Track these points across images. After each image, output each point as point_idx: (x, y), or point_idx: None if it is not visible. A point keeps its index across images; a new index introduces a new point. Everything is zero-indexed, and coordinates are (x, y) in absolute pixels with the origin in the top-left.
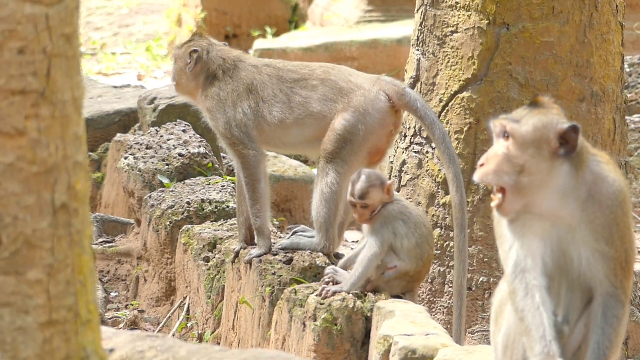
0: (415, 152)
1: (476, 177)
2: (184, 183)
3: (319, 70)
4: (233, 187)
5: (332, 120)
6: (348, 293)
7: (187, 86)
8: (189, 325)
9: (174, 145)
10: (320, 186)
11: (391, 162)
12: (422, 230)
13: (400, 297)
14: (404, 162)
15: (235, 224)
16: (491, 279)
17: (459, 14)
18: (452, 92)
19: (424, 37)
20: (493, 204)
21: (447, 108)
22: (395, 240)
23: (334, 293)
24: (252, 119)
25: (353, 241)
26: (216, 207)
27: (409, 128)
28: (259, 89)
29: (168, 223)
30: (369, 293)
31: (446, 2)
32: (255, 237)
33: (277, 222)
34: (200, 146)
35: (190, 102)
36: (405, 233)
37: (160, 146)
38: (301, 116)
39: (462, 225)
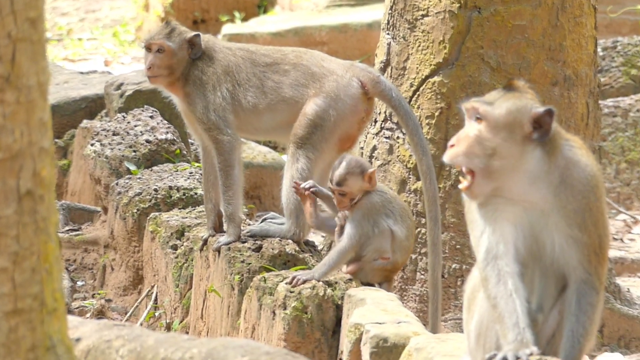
0: (386, 137)
1: (446, 157)
2: (151, 170)
3: (291, 54)
4: (201, 174)
5: (303, 106)
6: (318, 281)
7: (175, 75)
8: (157, 314)
9: (141, 132)
10: (290, 172)
11: (361, 148)
12: (408, 222)
13: (373, 285)
14: (374, 148)
15: (203, 211)
16: (464, 266)
17: None
18: (423, 77)
19: (395, 21)
20: (461, 186)
21: (418, 93)
22: (377, 233)
23: (305, 281)
24: (230, 102)
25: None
26: (184, 195)
27: (380, 113)
28: (234, 71)
29: (135, 211)
30: (339, 281)
31: None
32: (225, 224)
33: (246, 210)
34: (167, 132)
35: (164, 91)
36: (395, 226)
37: (128, 133)
38: (273, 101)
39: (435, 219)
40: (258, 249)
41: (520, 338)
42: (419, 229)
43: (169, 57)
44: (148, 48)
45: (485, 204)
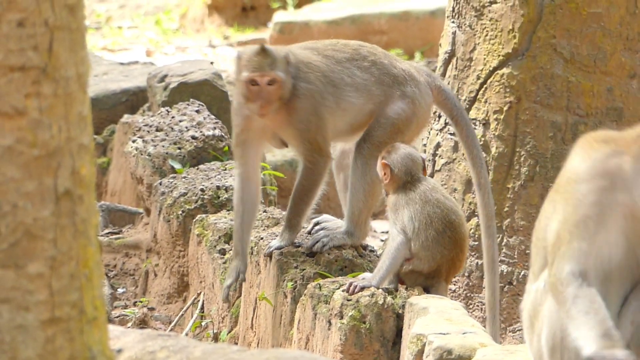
0: (450, 134)
1: None
2: (197, 168)
3: (362, 49)
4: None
5: (384, 107)
6: (377, 288)
7: (284, 100)
8: (203, 324)
9: (186, 127)
10: (366, 176)
11: (424, 145)
12: (430, 233)
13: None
14: (438, 145)
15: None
16: None
17: None
18: (491, 68)
19: (460, 8)
20: None
21: (485, 86)
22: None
23: (362, 288)
24: (334, 108)
25: (382, 232)
26: (233, 195)
27: None
28: (329, 72)
29: (180, 212)
30: (401, 288)
31: None
32: (283, 229)
33: None
34: (215, 128)
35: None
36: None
37: (172, 128)
38: (364, 100)
39: (492, 235)
40: (313, 254)
41: (609, 334)
42: None
43: (281, 87)
44: (253, 82)
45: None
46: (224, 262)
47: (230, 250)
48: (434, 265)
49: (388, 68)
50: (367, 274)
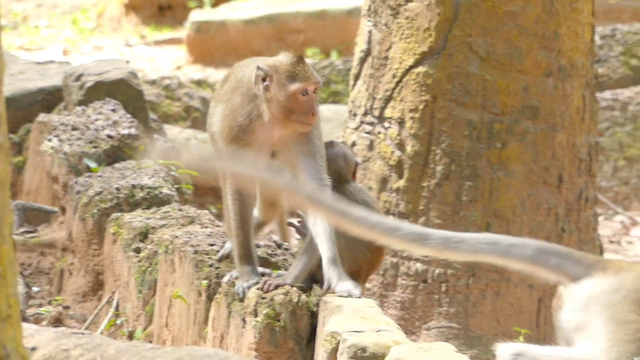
0: (366, 132)
1: None
2: (113, 167)
3: None
4: (167, 172)
5: None
6: (292, 286)
7: None
8: (118, 322)
9: (102, 126)
10: None
11: (343, 143)
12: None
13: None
14: (353, 144)
15: (169, 211)
16: (448, 271)
17: None
18: (407, 67)
19: (376, 7)
20: None
21: (401, 84)
22: None
23: (277, 286)
24: None
25: None
26: (148, 194)
27: (360, 107)
28: None
29: (96, 211)
30: (315, 286)
31: None
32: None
33: (214, 211)
34: (131, 127)
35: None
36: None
37: (88, 127)
38: None
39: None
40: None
41: None
42: None
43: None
44: (304, 92)
45: None
46: (139, 261)
47: (145, 249)
48: (354, 266)
49: None
50: (281, 272)
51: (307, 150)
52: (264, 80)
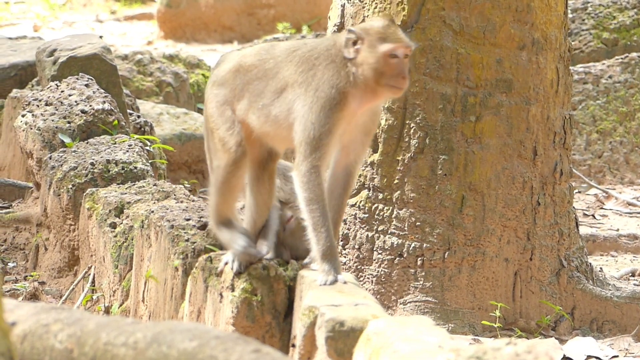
0: None
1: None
2: (87, 142)
3: None
4: (141, 147)
5: None
6: (269, 260)
7: None
8: (94, 297)
9: (76, 102)
10: None
11: None
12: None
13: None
14: None
15: (144, 186)
16: (424, 245)
17: None
18: None
19: None
20: None
21: None
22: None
23: (254, 260)
24: None
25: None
26: (123, 169)
27: None
28: None
29: (70, 186)
30: (292, 260)
31: None
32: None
33: (188, 185)
34: (105, 102)
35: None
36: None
37: (62, 102)
38: None
39: None
40: (203, 226)
41: None
42: (376, 205)
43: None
44: (393, 55)
45: None
46: (115, 236)
47: (121, 224)
48: None
49: None
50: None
51: (374, 122)
52: (354, 43)
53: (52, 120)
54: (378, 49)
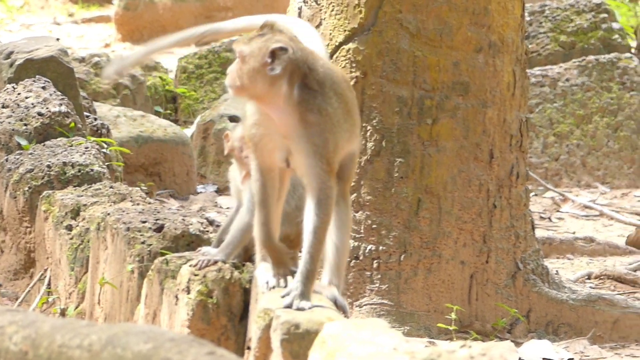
0: None
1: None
2: (44, 145)
3: None
4: (98, 150)
5: None
6: (225, 263)
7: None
8: (50, 300)
9: (32, 104)
10: None
11: None
12: (300, 192)
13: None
14: None
15: (100, 189)
16: (380, 247)
17: None
18: (337, 43)
19: None
20: None
21: (331, 60)
22: None
23: (215, 262)
24: None
25: (228, 208)
26: (79, 171)
27: None
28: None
29: (27, 189)
30: (248, 263)
31: None
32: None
33: (145, 188)
34: (61, 105)
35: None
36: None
37: (18, 105)
38: None
39: None
40: (159, 229)
41: None
42: None
43: None
44: None
45: None
46: (71, 238)
47: (77, 226)
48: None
49: None
50: (208, 248)
51: None
52: None
53: (9, 123)
54: None
